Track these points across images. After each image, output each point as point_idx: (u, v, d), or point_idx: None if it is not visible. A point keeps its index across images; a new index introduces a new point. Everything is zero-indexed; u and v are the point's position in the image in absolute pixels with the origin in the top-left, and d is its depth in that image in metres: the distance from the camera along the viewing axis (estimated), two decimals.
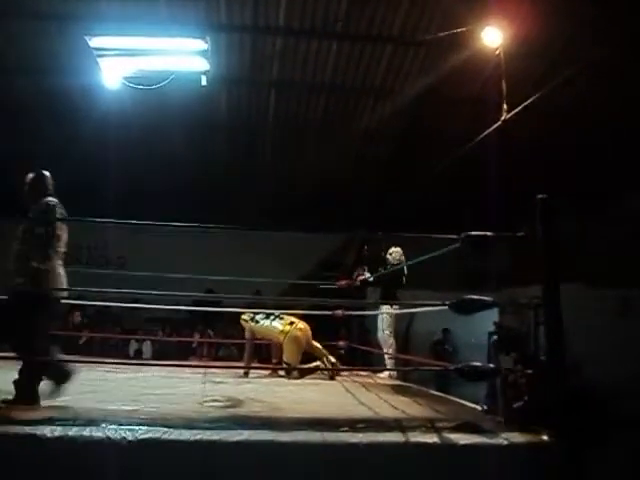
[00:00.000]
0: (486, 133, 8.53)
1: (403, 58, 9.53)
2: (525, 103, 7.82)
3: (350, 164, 11.72)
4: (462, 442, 3.52)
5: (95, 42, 7.76)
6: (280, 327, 7.04)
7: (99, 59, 7.98)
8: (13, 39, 8.81)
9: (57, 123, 10.38)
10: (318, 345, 7.18)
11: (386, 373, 7.30)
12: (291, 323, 7.07)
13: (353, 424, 3.72)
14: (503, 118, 7.98)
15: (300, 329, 7.04)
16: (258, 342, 7.35)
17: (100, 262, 14.92)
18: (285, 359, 6.86)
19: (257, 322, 7.16)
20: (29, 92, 9.94)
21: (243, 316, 7.34)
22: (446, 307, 4.13)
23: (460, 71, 8.96)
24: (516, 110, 7.91)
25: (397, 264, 7.41)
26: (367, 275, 8.05)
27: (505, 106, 7.90)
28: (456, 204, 11.31)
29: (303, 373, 6.80)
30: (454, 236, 4.24)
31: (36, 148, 11.01)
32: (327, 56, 9.43)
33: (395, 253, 7.57)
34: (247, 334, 7.23)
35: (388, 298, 7.36)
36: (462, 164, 9.74)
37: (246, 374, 6.77)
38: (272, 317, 7.16)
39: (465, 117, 9.93)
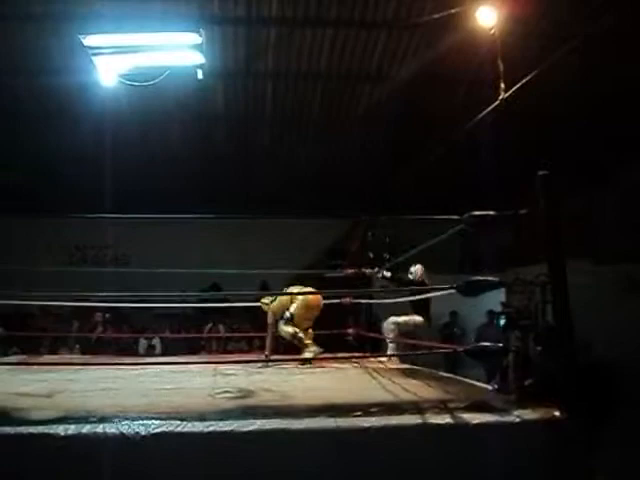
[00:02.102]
0: (484, 113, 8.50)
1: (398, 42, 9.48)
2: (522, 82, 7.79)
3: (350, 150, 11.72)
4: (475, 421, 3.54)
5: (89, 40, 7.72)
6: (293, 289, 7.12)
7: (94, 57, 7.95)
8: (6, 40, 8.79)
9: (54, 123, 10.40)
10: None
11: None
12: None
13: (365, 409, 3.73)
14: (501, 98, 7.95)
15: (316, 297, 7.06)
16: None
17: (104, 261, 15.00)
18: (290, 311, 6.88)
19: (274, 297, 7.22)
20: (24, 93, 9.95)
21: (263, 300, 7.35)
22: (453, 290, 4.13)
23: (456, 52, 8.91)
24: (513, 89, 7.88)
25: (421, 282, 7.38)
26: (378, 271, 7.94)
27: (502, 85, 7.86)
28: (457, 184, 11.29)
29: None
30: (457, 217, 4.23)
31: (34, 148, 11.07)
32: (322, 44, 9.40)
33: (417, 270, 7.50)
34: (269, 319, 7.19)
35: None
36: (461, 145, 9.71)
37: (268, 360, 6.76)
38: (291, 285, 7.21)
39: (463, 98, 9.89)
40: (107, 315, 11.61)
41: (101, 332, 10.97)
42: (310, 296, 7.02)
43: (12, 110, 10.21)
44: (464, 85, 9.88)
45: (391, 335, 7.37)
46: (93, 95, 9.14)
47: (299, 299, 6.92)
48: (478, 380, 5.02)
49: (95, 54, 7.90)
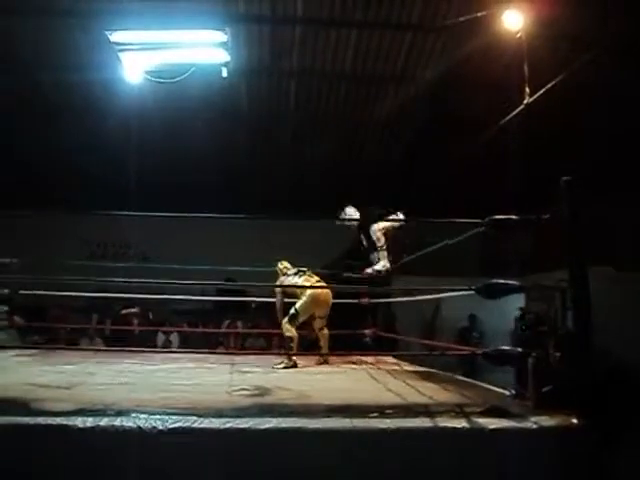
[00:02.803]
0: (509, 117, 8.46)
1: (423, 44, 9.47)
2: (548, 86, 7.74)
3: (373, 151, 11.71)
4: (491, 426, 3.52)
5: (116, 37, 7.80)
6: (303, 280, 6.93)
7: (120, 54, 8.02)
8: (34, 36, 8.88)
9: (80, 119, 10.49)
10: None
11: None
12: (317, 281, 7.00)
13: (382, 410, 3.73)
14: (526, 102, 7.90)
15: (323, 292, 6.89)
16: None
17: (125, 259, 15.11)
18: (295, 307, 6.70)
19: (288, 275, 7.10)
20: (51, 89, 10.05)
21: (280, 265, 7.32)
22: (473, 292, 4.12)
23: (481, 56, 8.87)
24: (539, 93, 7.83)
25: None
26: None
27: (528, 90, 7.82)
28: (481, 188, 11.23)
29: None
30: (478, 220, 4.22)
31: (60, 144, 11.18)
32: (347, 44, 9.40)
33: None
34: (277, 290, 7.09)
35: None
36: (485, 148, 9.66)
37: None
38: (301, 274, 7.05)
39: (488, 102, 9.84)
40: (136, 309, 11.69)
41: (137, 325, 11.02)
42: (318, 290, 6.81)
43: (39, 106, 10.33)
44: (489, 88, 9.81)
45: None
46: (119, 91, 9.21)
47: (307, 294, 6.74)
48: (497, 385, 4.98)
49: (121, 50, 7.98)
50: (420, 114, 10.78)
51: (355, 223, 7.67)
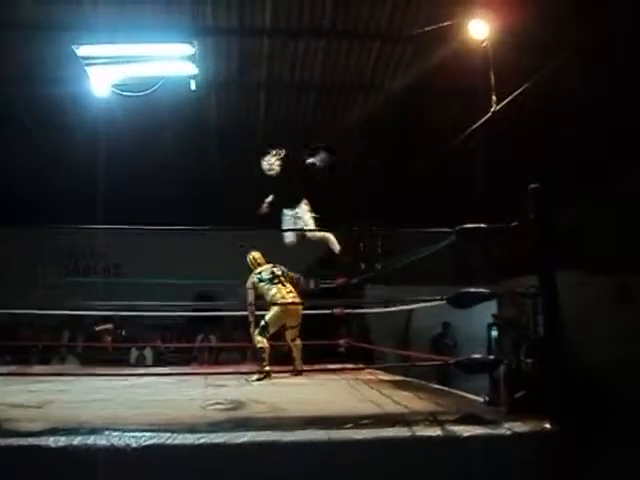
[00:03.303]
0: (476, 126, 8.56)
1: (391, 53, 9.56)
2: (514, 94, 7.85)
3: (342, 161, 11.73)
4: (465, 434, 3.53)
5: (83, 51, 7.76)
6: (275, 291, 6.83)
7: (87, 67, 7.97)
8: (1, 50, 8.80)
9: (47, 133, 10.40)
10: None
11: None
12: (289, 292, 6.86)
13: (357, 421, 3.73)
14: (492, 110, 8.00)
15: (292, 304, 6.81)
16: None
17: (95, 271, 14.97)
18: (265, 319, 6.65)
19: (261, 281, 6.95)
20: (18, 102, 9.95)
21: (250, 256, 7.27)
22: (444, 302, 4.14)
23: (448, 64, 8.96)
24: (505, 102, 7.94)
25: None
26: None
27: (494, 98, 7.92)
28: (448, 197, 11.33)
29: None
30: (449, 229, 4.25)
31: (27, 158, 11.06)
32: (315, 55, 9.46)
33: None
34: (249, 293, 6.96)
35: None
36: (453, 157, 9.76)
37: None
38: (276, 281, 6.92)
39: (455, 110, 9.96)
40: (110, 326, 11.59)
41: (110, 341, 10.91)
42: (290, 302, 6.74)
43: (5, 118, 10.20)
44: (457, 96, 9.94)
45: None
46: (87, 105, 9.17)
47: (275, 308, 6.68)
48: (471, 392, 5.01)
49: (89, 64, 7.92)
50: (389, 123, 10.85)
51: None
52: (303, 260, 13.05)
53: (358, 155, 11.61)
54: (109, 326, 11.29)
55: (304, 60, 9.55)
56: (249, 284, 7.05)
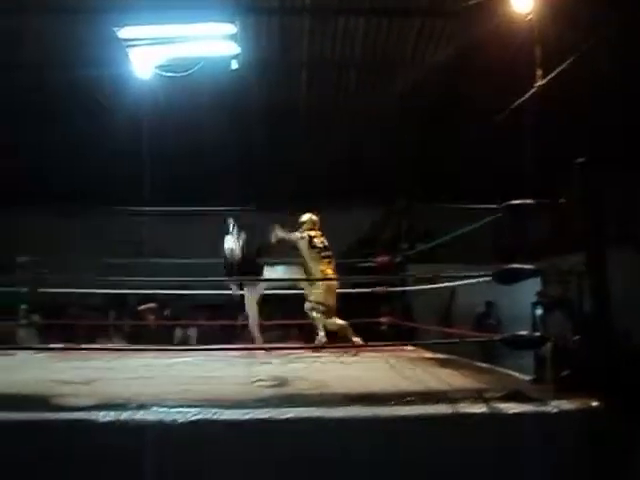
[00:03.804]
0: (521, 100, 8.40)
1: (432, 29, 9.44)
2: (559, 68, 7.68)
3: (385, 139, 11.66)
4: (511, 411, 3.51)
5: (124, 33, 7.80)
6: (323, 267, 6.75)
7: (129, 49, 8.02)
8: (43, 34, 8.91)
9: (90, 116, 10.52)
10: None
11: None
12: (332, 272, 6.78)
13: (401, 398, 3.73)
14: (537, 84, 7.84)
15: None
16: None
17: (142, 254, 15.17)
18: (312, 301, 6.70)
19: (313, 247, 6.82)
20: (61, 86, 10.07)
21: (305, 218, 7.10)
22: (489, 278, 4.11)
23: (492, 39, 8.80)
24: (550, 76, 7.77)
25: None
26: None
27: (539, 72, 7.76)
28: (495, 171, 11.16)
29: None
30: (494, 206, 4.20)
31: (70, 141, 11.23)
32: (356, 32, 9.37)
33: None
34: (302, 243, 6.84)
35: None
36: (498, 133, 9.61)
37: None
38: (324, 254, 6.83)
39: (499, 85, 9.78)
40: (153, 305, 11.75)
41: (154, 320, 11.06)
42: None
43: (49, 103, 10.36)
44: (501, 71, 9.75)
45: None
46: (129, 87, 9.23)
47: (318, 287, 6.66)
48: (516, 371, 4.97)
49: (130, 46, 7.96)
50: (431, 99, 10.70)
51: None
52: (342, 240, 13.11)
53: (400, 132, 11.51)
54: (153, 305, 11.42)
55: (344, 38, 9.47)
56: (301, 236, 6.90)
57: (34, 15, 8.61)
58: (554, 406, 3.56)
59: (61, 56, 9.37)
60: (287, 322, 9.88)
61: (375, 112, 10.99)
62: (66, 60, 9.45)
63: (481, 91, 9.98)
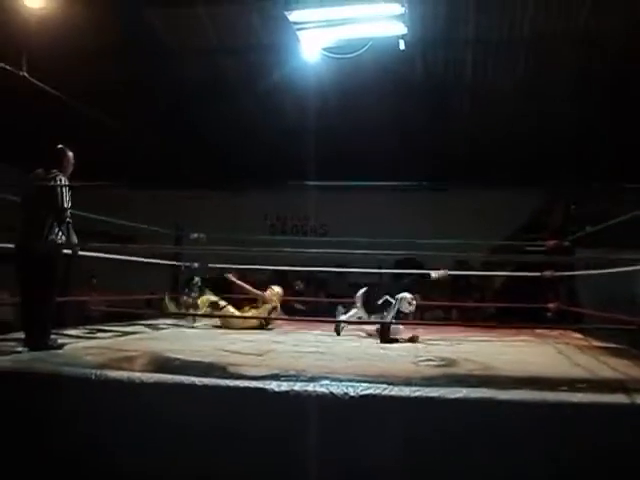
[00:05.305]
0: None
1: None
2: None
3: (556, 119, 11.20)
4: None
5: (294, 16, 7.97)
6: None
7: (298, 32, 8.20)
8: (214, 21, 9.30)
9: (260, 98, 10.92)
10: None
11: None
12: None
13: (572, 384, 3.66)
14: None
15: None
16: None
17: (303, 232, 15.64)
18: None
19: None
20: (232, 71, 10.52)
21: None
22: None
23: None
24: None
25: None
26: None
27: None
28: None
29: None
30: None
31: (242, 123, 11.74)
32: (525, 7, 8.99)
33: None
34: None
35: None
36: None
37: None
38: None
39: None
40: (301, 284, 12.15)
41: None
42: None
43: (220, 89, 10.87)
44: None
45: None
46: (297, 69, 9.47)
47: None
48: None
49: (300, 29, 8.14)
50: (610, 72, 10.08)
51: None
52: (507, 224, 12.81)
53: (574, 111, 10.99)
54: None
55: (514, 13, 9.12)
56: None
57: (206, 3, 8.99)
58: None
59: (232, 41, 9.74)
60: (448, 304, 9.86)
61: (547, 89, 10.53)
62: (237, 45, 9.82)
63: None
